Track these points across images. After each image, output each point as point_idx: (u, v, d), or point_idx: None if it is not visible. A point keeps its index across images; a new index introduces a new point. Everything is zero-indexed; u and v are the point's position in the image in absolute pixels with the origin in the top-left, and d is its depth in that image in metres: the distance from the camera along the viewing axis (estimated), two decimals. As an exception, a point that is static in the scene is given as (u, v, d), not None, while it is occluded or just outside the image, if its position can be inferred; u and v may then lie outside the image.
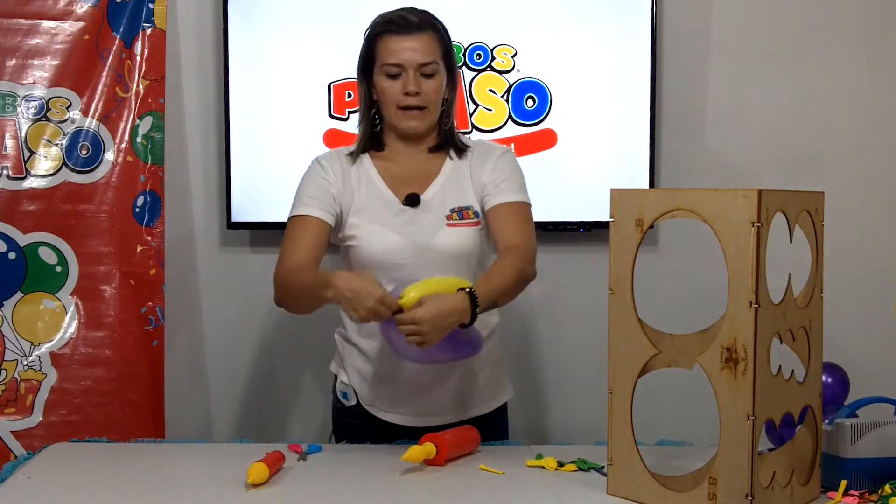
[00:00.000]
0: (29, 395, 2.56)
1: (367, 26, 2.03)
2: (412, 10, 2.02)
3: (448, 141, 2.07)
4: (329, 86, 2.78)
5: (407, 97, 1.97)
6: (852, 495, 1.56)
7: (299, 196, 2.04)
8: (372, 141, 2.07)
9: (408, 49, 1.96)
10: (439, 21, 2.04)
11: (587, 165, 2.82)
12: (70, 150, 2.60)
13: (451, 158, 2.06)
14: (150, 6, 2.64)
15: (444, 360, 1.92)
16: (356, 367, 2.08)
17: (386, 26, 1.99)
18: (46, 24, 2.58)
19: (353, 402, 2.10)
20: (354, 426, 2.09)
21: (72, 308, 2.59)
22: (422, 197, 2.01)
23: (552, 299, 2.91)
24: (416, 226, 1.98)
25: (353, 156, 2.06)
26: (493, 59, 2.80)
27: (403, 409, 2.05)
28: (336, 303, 1.83)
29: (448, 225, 1.99)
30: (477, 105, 2.80)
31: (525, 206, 2.04)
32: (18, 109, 2.57)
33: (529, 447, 1.94)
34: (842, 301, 2.67)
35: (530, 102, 2.81)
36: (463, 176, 2.04)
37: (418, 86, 1.97)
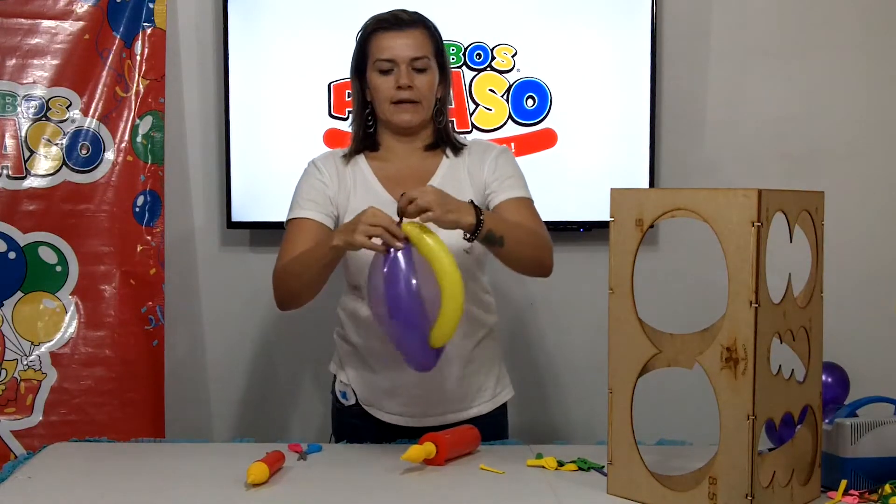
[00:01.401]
0: (29, 395, 2.56)
1: (360, 28, 2.05)
2: (403, 10, 2.04)
3: (443, 139, 2.07)
4: (329, 86, 2.78)
5: (400, 91, 1.98)
6: (852, 495, 1.56)
7: (296, 199, 2.04)
8: (366, 141, 2.07)
9: (399, 44, 1.98)
10: (430, 21, 2.05)
11: (587, 165, 2.82)
12: (70, 149, 2.60)
13: (447, 157, 2.06)
14: (150, 6, 2.64)
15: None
16: (355, 367, 2.08)
17: (378, 24, 2.01)
18: (46, 23, 2.58)
19: (352, 402, 2.10)
20: (353, 426, 2.09)
21: (72, 308, 2.59)
22: None
23: (552, 299, 2.91)
24: None
25: (348, 157, 2.06)
26: (493, 58, 2.80)
27: (402, 409, 2.05)
28: (343, 245, 1.78)
29: None
30: (477, 105, 2.80)
31: (532, 203, 2.05)
32: (18, 109, 2.57)
33: (529, 447, 1.93)
34: (842, 301, 2.67)
35: (530, 102, 2.81)
36: (460, 175, 2.04)
37: (410, 80, 1.97)
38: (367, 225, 1.72)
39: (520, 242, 1.91)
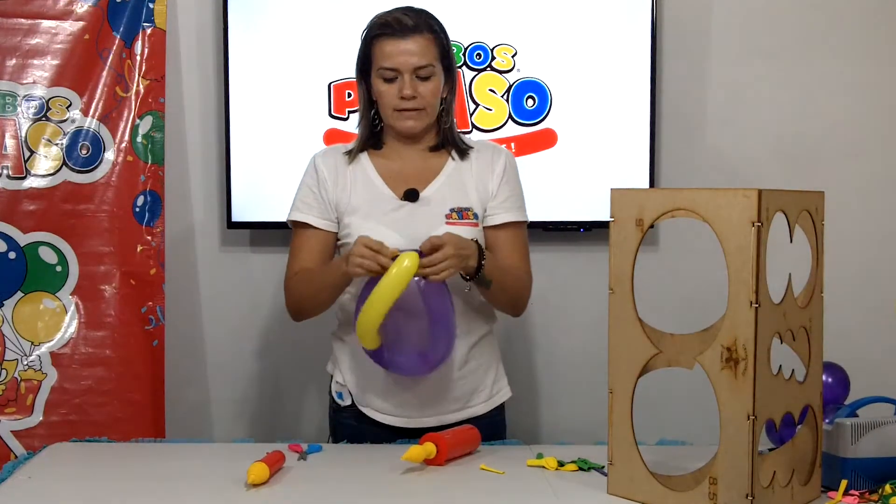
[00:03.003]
0: (29, 395, 2.56)
1: (365, 27, 2.03)
2: (408, 11, 2.00)
3: (448, 140, 2.07)
4: (329, 86, 2.78)
5: (403, 101, 1.97)
6: (852, 495, 1.56)
7: (296, 198, 2.07)
8: (370, 140, 2.07)
9: (403, 52, 1.95)
10: (436, 20, 2.02)
11: (587, 165, 2.82)
12: (70, 149, 2.60)
13: (452, 159, 2.06)
14: (150, 6, 2.64)
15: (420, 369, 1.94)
16: (351, 367, 2.08)
17: (381, 29, 1.98)
18: (46, 23, 2.58)
19: (348, 403, 2.10)
20: (350, 426, 2.09)
21: (72, 308, 2.59)
22: (421, 193, 2.01)
23: (552, 299, 2.91)
24: (413, 221, 1.98)
25: (351, 154, 2.06)
26: (493, 58, 2.80)
27: (397, 409, 2.04)
28: (350, 273, 1.87)
29: (447, 223, 1.98)
30: (477, 105, 2.80)
31: (525, 227, 2.09)
32: (18, 109, 2.57)
33: (529, 447, 1.94)
34: (842, 301, 2.67)
35: (530, 102, 2.81)
36: (466, 177, 2.04)
37: (414, 89, 1.96)
38: (358, 257, 1.82)
39: (503, 288, 2.00)
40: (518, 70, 2.80)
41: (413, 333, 1.87)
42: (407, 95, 1.96)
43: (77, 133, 2.60)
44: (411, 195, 2.00)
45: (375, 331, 1.81)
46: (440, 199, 2.01)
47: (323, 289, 1.99)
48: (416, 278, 1.80)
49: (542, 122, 2.81)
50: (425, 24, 1.99)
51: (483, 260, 1.89)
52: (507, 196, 2.05)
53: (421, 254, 1.81)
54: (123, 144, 2.63)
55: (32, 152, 2.58)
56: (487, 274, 1.91)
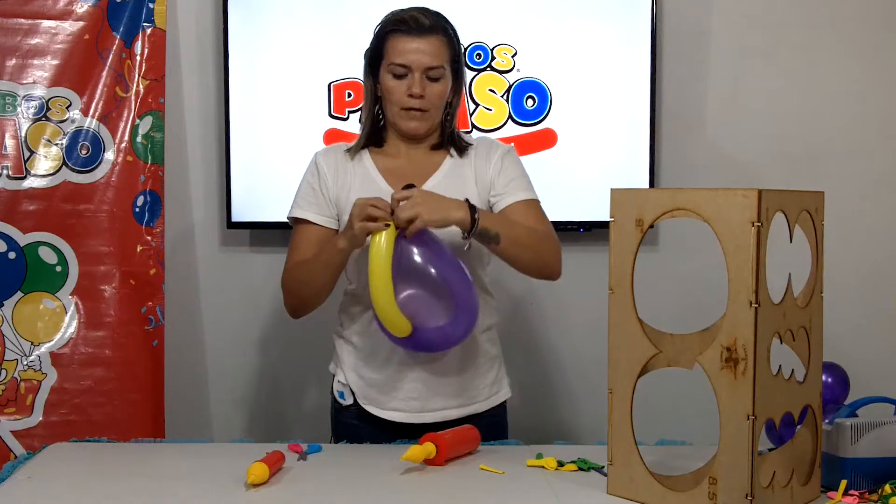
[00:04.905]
0: (29, 395, 2.56)
1: (379, 22, 2.03)
2: (425, 11, 2.01)
3: (449, 141, 2.07)
4: (329, 86, 2.78)
5: (411, 99, 1.97)
6: (852, 495, 1.56)
7: (297, 196, 2.07)
8: (372, 137, 2.08)
9: (416, 51, 1.96)
10: (451, 24, 2.03)
11: (587, 165, 2.82)
12: (70, 149, 2.60)
13: (451, 156, 2.07)
14: (150, 6, 2.64)
15: (433, 342, 1.92)
16: (352, 365, 2.08)
17: (397, 25, 1.98)
18: (46, 23, 2.58)
19: (350, 402, 2.10)
20: (352, 426, 2.09)
21: (72, 308, 2.59)
22: (420, 188, 2.01)
23: (552, 299, 2.91)
24: None
25: (352, 152, 2.06)
26: (493, 58, 2.80)
27: (400, 404, 2.04)
28: (349, 245, 1.87)
29: None
30: (477, 105, 2.80)
31: (538, 204, 2.06)
32: (18, 109, 2.57)
33: (529, 447, 1.94)
34: (842, 301, 2.68)
35: (530, 102, 2.81)
36: (465, 173, 2.05)
37: (423, 88, 1.97)
38: (360, 210, 1.81)
39: (517, 241, 1.93)
40: (518, 70, 2.80)
41: (432, 308, 1.85)
42: (415, 94, 1.96)
43: (77, 133, 2.60)
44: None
45: (395, 311, 1.80)
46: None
47: (319, 268, 1.95)
48: (416, 249, 1.83)
49: (542, 122, 2.81)
50: (441, 27, 2.00)
51: (476, 214, 1.85)
52: (509, 181, 2.03)
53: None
54: (123, 144, 2.63)
55: (32, 152, 2.58)
56: (489, 226, 1.87)
